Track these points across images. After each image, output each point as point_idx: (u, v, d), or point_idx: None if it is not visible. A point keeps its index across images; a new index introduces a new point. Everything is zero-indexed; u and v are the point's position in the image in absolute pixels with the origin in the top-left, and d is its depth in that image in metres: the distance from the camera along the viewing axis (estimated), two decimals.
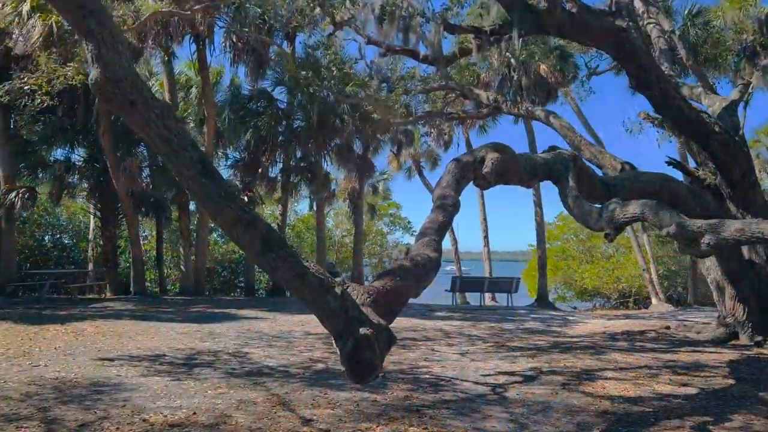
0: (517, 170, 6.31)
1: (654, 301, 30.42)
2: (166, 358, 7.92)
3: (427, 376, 7.24)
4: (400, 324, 12.76)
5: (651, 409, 5.82)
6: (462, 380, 7.07)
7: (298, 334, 10.69)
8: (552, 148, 7.85)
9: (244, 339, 9.91)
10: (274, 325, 11.75)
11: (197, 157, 3.91)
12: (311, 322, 12.15)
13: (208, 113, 17.15)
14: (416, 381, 6.88)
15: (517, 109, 15.48)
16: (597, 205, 6.61)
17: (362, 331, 3.36)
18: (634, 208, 5.43)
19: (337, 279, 3.76)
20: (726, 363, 8.65)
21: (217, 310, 14.09)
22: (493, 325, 13.40)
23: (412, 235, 38.21)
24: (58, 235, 28.05)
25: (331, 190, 25.84)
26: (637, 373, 7.73)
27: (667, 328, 12.83)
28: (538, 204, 22.01)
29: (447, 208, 5.01)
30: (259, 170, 18.63)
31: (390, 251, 39.23)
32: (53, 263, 24.28)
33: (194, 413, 5.21)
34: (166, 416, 5.10)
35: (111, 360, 7.57)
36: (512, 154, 6.31)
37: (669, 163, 11.94)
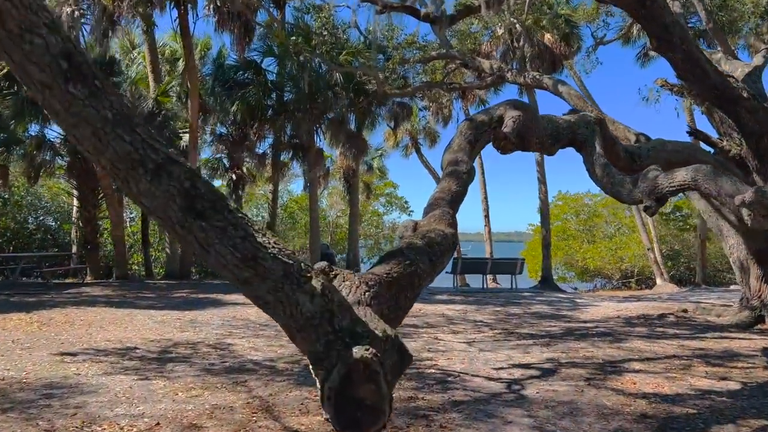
0: (539, 133, 5.43)
1: (659, 281, 29.89)
2: (137, 352, 7.09)
3: (433, 371, 6.44)
4: None
5: (695, 410, 5.04)
6: (472, 375, 6.28)
7: None
8: (573, 112, 6.97)
9: (228, 328, 9.09)
10: (262, 313, 10.90)
11: (61, 50, 2.20)
12: None
13: (192, 85, 16.12)
14: (421, 377, 6.08)
15: (523, 77, 14.54)
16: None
17: (357, 351, 2.19)
18: (684, 174, 4.58)
19: (318, 265, 2.47)
20: (761, 351, 7.91)
21: (202, 296, 13.26)
22: (498, 309, 12.64)
23: (409, 215, 37.41)
24: (42, 217, 27.16)
25: (325, 168, 24.96)
26: (666, 364, 6.96)
27: (685, 311, 12.10)
28: (542, 181, 21.15)
29: (460, 176, 4.15)
30: (246, 144, 17.59)
31: (387, 232, 38.43)
32: (36, 246, 23.42)
33: (157, 423, 4.39)
34: (122, 428, 4.28)
35: (73, 355, 6.74)
36: (533, 113, 5.43)
37: (690, 133, 11.09)
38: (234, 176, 18.35)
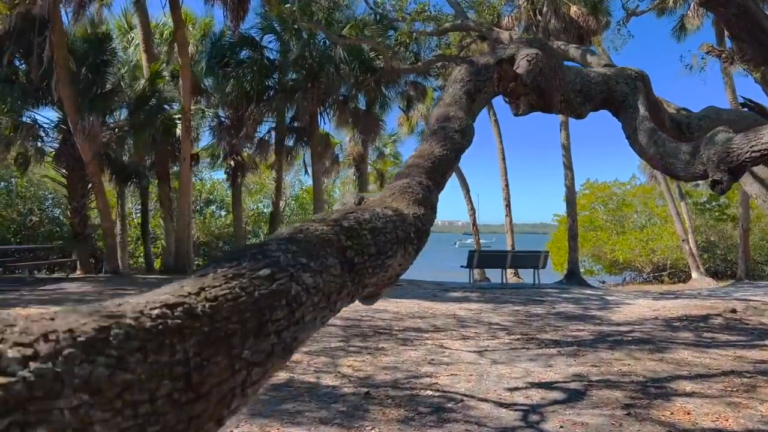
0: (564, 87, 4.16)
1: (694, 274, 28.28)
2: None
3: (430, 393, 5.24)
4: (404, 308, 10.81)
5: None
6: (479, 399, 5.06)
7: None
8: (608, 66, 5.65)
9: None
10: None
11: None
12: None
13: (183, 62, 15.01)
14: (413, 403, 4.88)
15: None
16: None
17: None
18: None
19: None
20: None
21: None
22: (518, 308, 11.36)
23: None
24: (50, 209, 26.62)
25: (333, 154, 23.78)
26: (724, 383, 5.65)
27: (734, 311, 10.69)
28: (568, 166, 19.67)
29: (449, 135, 2.91)
30: (245, 130, 16.46)
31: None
32: (42, 238, 22.86)
33: None
34: None
35: None
36: (557, 59, 4.16)
37: (744, 105, 9.64)
38: (232, 163, 17.28)
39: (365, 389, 5.27)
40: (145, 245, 20.49)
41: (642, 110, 4.65)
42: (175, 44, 15.65)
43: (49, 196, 26.63)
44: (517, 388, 5.42)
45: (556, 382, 5.67)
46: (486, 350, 7.19)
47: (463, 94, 3.35)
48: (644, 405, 4.92)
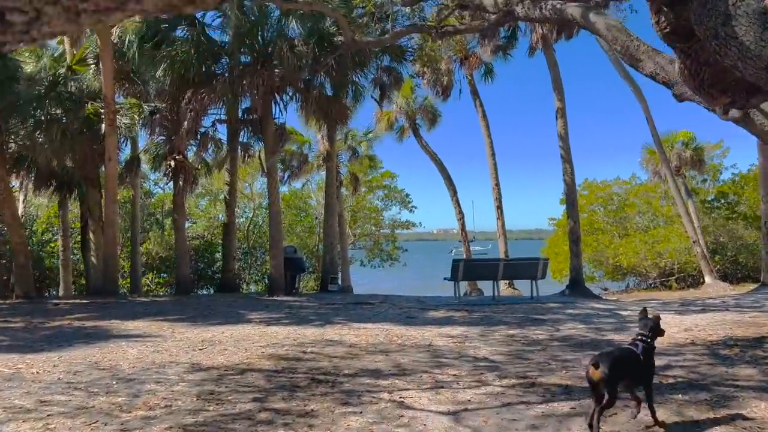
0: None
1: (707, 279, 26.27)
2: None
3: None
4: (366, 336, 8.59)
5: None
6: None
7: (175, 371, 6.44)
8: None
9: (64, 386, 5.69)
10: (149, 351, 7.50)
11: None
12: (224, 341, 7.97)
13: (102, 41, 12.74)
14: None
15: (539, 10, 11.01)
16: None
17: None
18: None
19: None
20: None
21: (90, 324, 9.90)
22: (512, 332, 9.15)
23: (411, 211, 33.83)
24: None
25: (300, 153, 21.58)
26: None
27: None
28: (566, 159, 17.53)
29: None
30: (185, 124, 14.12)
31: (388, 231, 34.91)
32: None
33: None
34: None
35: None
36: None
37: None
38: (172, 163, 14.99)
39: None
40: (86, 264, 18.17)
41: None
42: None
43: None
44: None
45: None
46: (466, 410, 4.94)
47: None
48: None
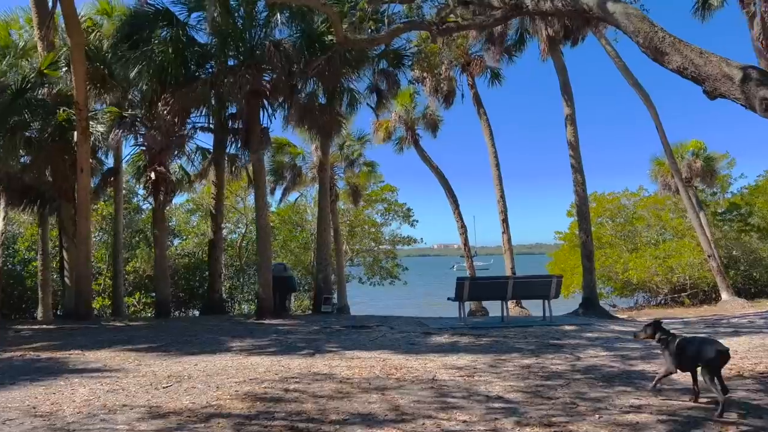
0: None
1: (724, 295, 25.24)
2: None
3: None
4: (360, 369, 7.54)
5: None
6: None
7: (127, 418, 5.38)
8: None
9: None
10: (102, 391, 6.42)
11: None
12: (194, 376, 6.89)
13: (73, 41, 11.80)
14: None
15: (551, 1, 10.07)
16: None
17: None
18: None
19: None
20: None
21: (46, 355, 8.83)
22: (528, 361, 8.09)
23: (412, 225, 32.73)
24: None
25: (293, 165, 20.62)
26: None
27: None
28: (577, 168, 16.53)
29: None
30: (162, 130, 13.09)
31: (388, 247, 33.78)
32: None
33: None
34: None
35: None
36: None
37: None
38: (152, 175, 13.98)
39: None
40: (62, 284, 17.12)
41: None
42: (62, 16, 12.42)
43: None
44: None
45: None
46: None
47: None
48: None
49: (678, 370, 5.64)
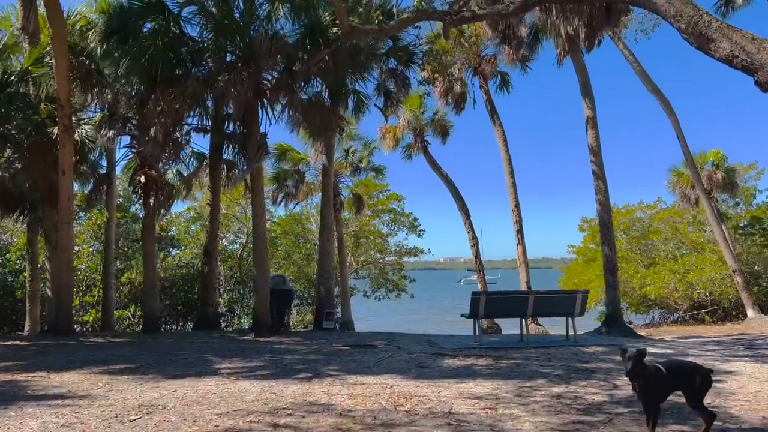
0: None
1: (750, 312, 24.07)
2: None
3: None
4: (364, 397, 6.52)
5: None
6: None
7: None
8: None
9: None
10: (56, 425, 5.43)
11: None
12: (170, 406, 5.84)
13: (55, 32, 10.95)
14: None
15: None
16: None
17: None
18: None
19: None
20: None
21: (6, 378, 7.87)
22: (557, 389, 7.05)
23: (419, 235, 31.66)
24: None
25: (297, 172, 19.70)
26: None
27: None
28: (599, 175, 15.51)
29: None
30: (151, 132, 12.17)
31: (393, 258, 32.68)
32: None
33: None
34: None
35: None
36: None
37: None
38: (142, 179, 13.08)
39: None
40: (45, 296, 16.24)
41: None
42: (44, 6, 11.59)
43: None
44: None
45: None
46: None
47: None
48: None
49: None
